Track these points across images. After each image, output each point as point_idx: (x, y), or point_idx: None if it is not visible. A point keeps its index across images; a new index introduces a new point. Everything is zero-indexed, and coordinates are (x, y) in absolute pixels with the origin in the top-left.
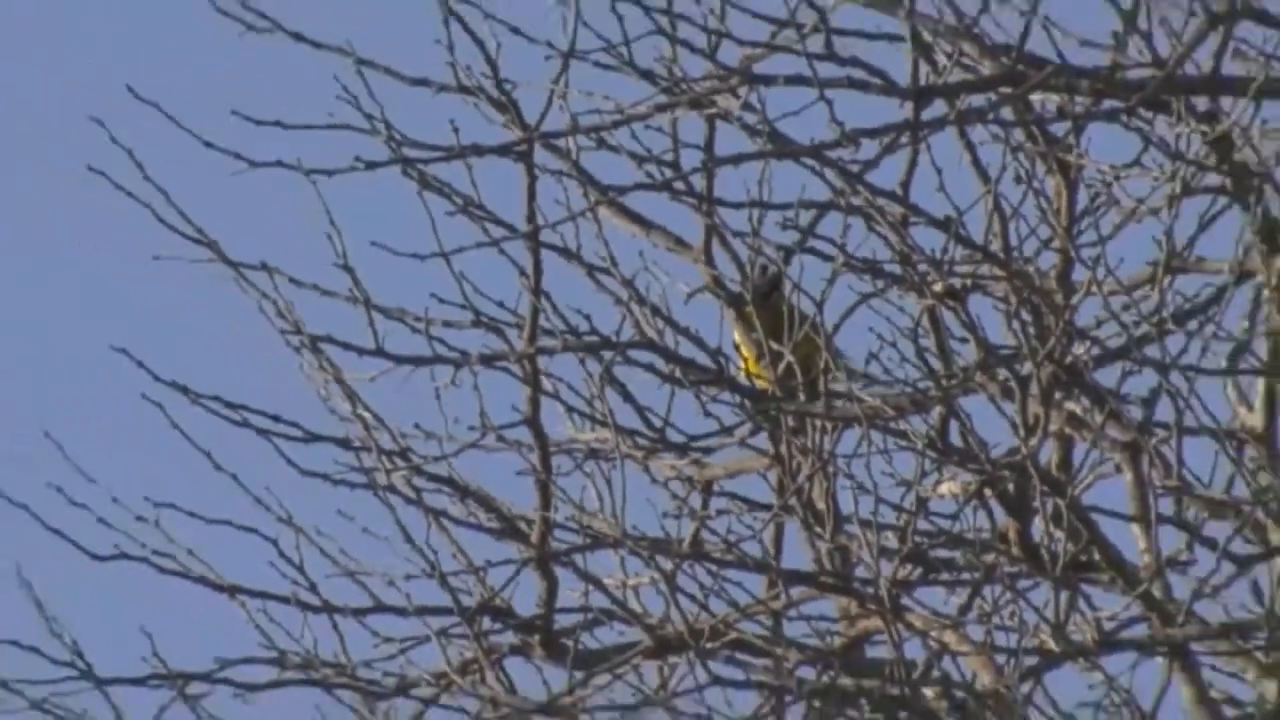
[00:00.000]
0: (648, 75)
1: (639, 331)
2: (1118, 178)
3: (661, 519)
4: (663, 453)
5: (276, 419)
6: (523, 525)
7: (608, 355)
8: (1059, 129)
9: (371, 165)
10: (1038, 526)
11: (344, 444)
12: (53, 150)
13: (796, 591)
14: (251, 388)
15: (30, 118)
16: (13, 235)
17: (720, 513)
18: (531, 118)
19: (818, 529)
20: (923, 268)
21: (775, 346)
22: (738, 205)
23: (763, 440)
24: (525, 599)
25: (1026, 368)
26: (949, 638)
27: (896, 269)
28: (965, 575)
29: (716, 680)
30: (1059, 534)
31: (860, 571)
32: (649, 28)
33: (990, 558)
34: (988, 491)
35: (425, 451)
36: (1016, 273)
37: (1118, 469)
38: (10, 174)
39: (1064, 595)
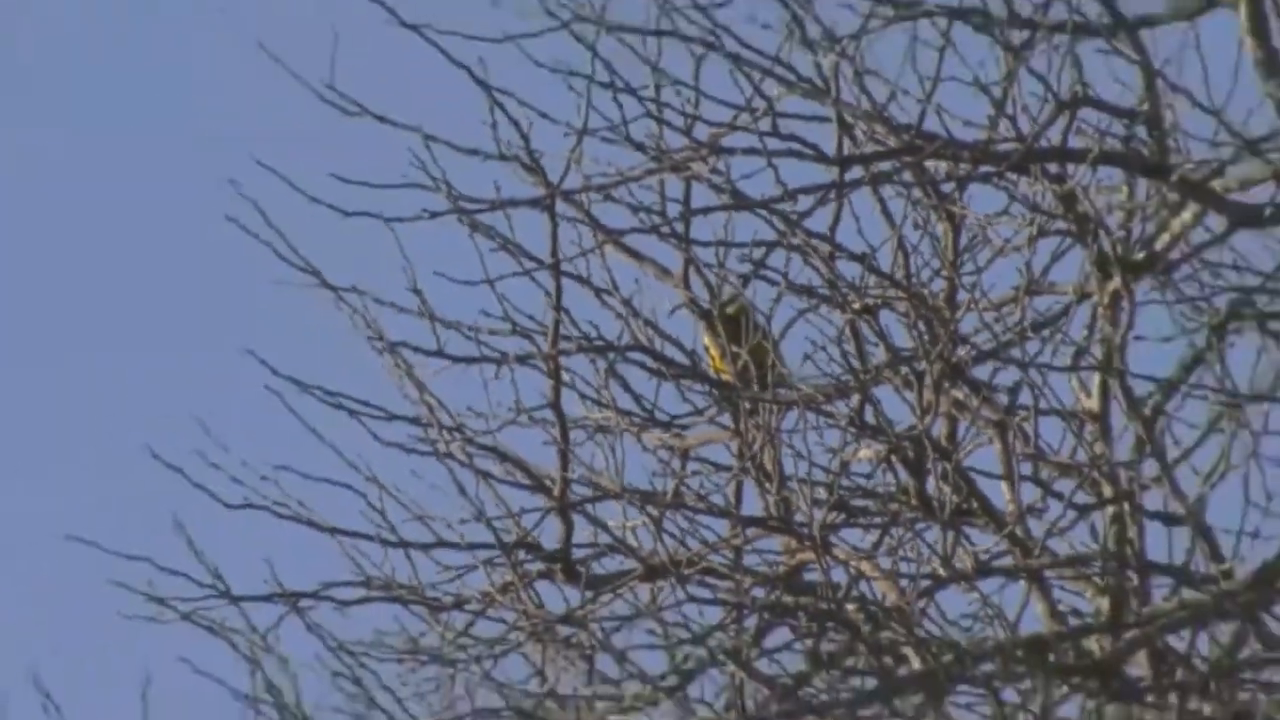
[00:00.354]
0: (640, 147)
1: (634, 338)
2: (990, 224)
3: (651, 477)
4: (652, 428)
5: (365, 403)
6: (548, 482)
7: (611, 355)
8: (947, 187)
9: (435, 214)
10: (931, 483)
11: (415, 422)
12: (201, 203)
13: (751, 532)
14: (346, 380)
15: (186, 185)
16: (168, 270)
17: (694, 473)
18: (554, 178)
19: (767, 485)
20: (845, 291)
21: (735, 349)
22: (707, 244)
23: (726, 419)
24: (549, 537)
25: (922, 365)
26: (865, 566)
27: (826, 291)
28: (877, 519)
29: (691, 598)
30: (946, 489)
31: (799, 516)
32: (641, 112)
33: (895, 506)
34: (894, 457)
35: (475, 427)
36: (914, 294)
37: (990, 440)
38: (168, 224)
39: (950, 535)
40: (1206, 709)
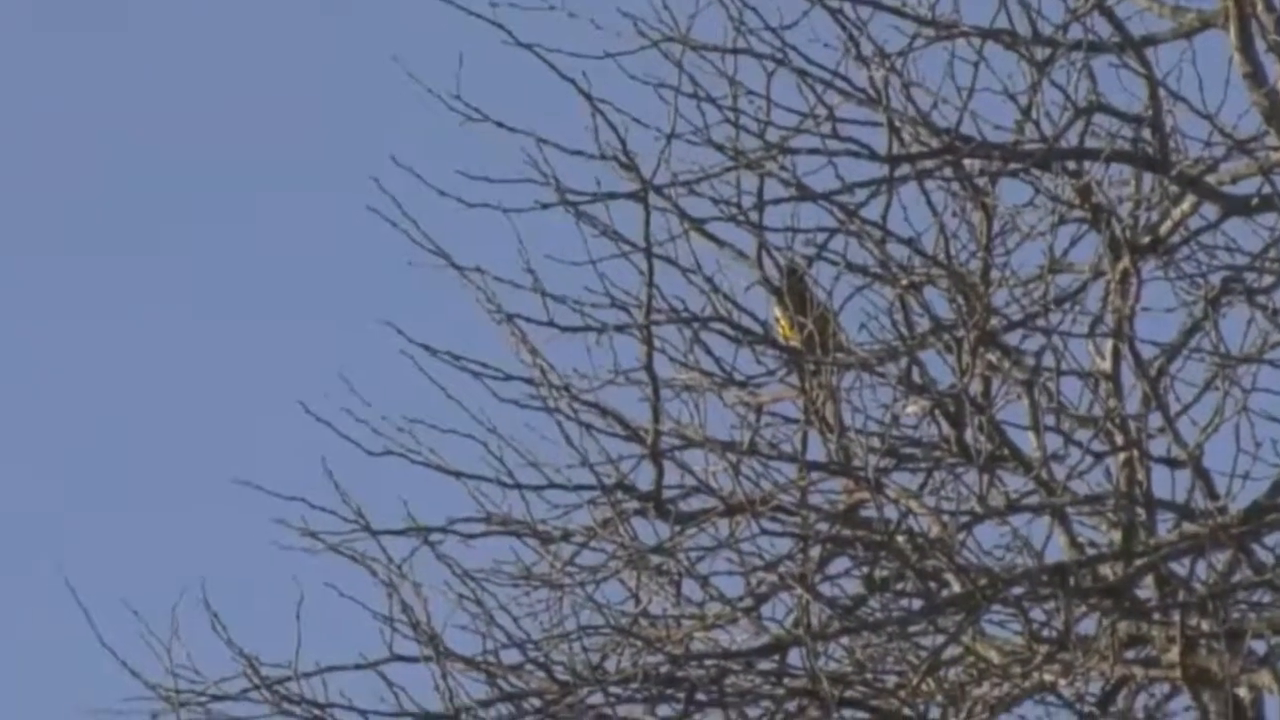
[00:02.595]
0: (720, 148)
1: (715, 310)
2: (1018, 213)
3: (730, 429)
4: (730, 387)
5: (485, 366)
6: (642, 433)
7: (696, 325)
8: (981, 182)
9: (545, 205)
10: (969, 433)
11: (528, 382)
12: (350, 196)
13: (815, 474)
14: (470, 346)
15: (337, 181)
16: (321, 253)
17: (767, 425)
18: (647, 175)
19: (828, 435)
20: (895, 270)
21: (801, 319)
22: (777, 230)
23: (794, 379)
24: (643, 480)
25: (960, 333)
26: (912, 504)
27: (878, 270)
28: (922, 464)
29: (764, 531)
30: (982, 438)
31: (856, 462)
32: (721, 118)
33: (938, 453)
34: (937, 411)
35: (580, 386)
36: (954, 273)
37: (1019, 397)
38: (322, 216)
39: (985, 477)
40: (1205, 626)
